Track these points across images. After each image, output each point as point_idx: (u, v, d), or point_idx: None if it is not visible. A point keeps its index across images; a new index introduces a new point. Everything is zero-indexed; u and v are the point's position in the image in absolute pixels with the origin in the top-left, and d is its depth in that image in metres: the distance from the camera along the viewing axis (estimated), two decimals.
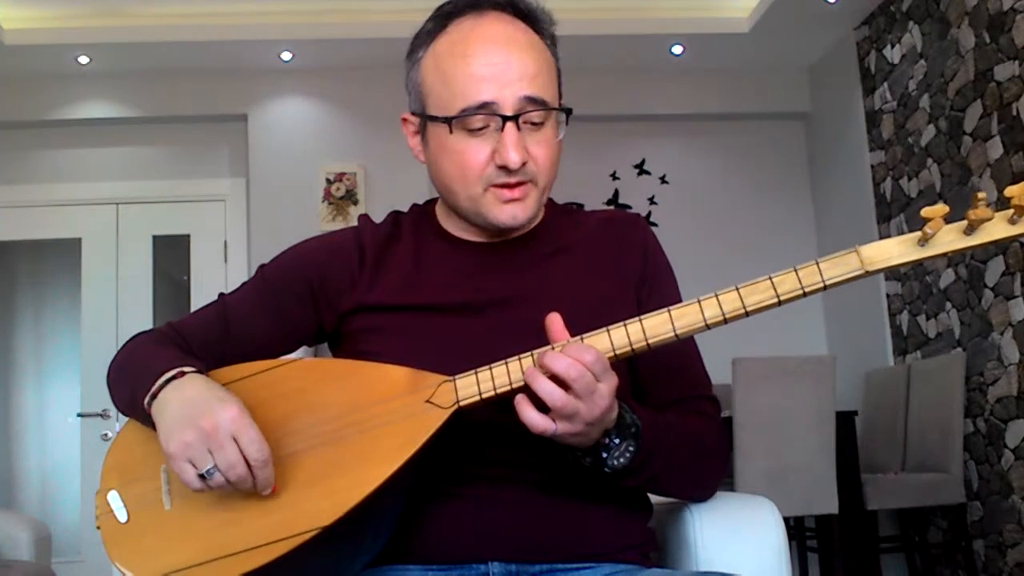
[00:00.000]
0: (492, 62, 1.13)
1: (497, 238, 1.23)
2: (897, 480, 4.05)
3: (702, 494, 1.27)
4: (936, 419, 4.15)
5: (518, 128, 1.13)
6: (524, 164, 1.14)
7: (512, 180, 1.15)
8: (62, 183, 5.32)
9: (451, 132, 1.15)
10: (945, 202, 4.37)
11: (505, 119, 1.13)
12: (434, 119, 1.17)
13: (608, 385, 1.00)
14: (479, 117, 1.13)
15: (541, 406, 1.00)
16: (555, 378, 0.98)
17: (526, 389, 1.02)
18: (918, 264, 4.52)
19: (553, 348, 1.01)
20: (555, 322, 1.02)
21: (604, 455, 1.07)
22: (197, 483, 1.01)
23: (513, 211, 1.17)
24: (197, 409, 1.02)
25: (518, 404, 1.00)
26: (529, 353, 1.03)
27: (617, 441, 1.07)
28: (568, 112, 1.19)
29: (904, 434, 4.40)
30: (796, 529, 4.39)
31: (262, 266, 1.29)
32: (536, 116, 1.15)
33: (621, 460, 1.08)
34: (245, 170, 5.34)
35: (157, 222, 5.35)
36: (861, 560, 3.89)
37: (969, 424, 4.18)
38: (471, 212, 1.19)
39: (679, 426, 1.17)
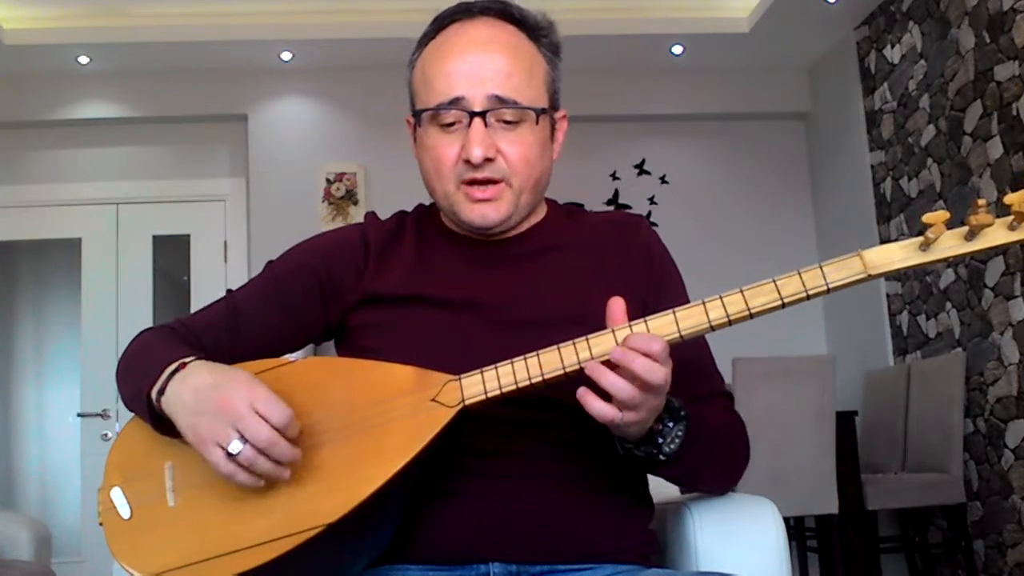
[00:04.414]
0: (467, 61, 1.17)
1: (492, 237, 1.24)
2: (897, 480, 4.05)
3: (730, 484, 1.28)
4: (936, 419, 4.15)
5: (485, 124, 1.16)
6: (491, 161, 1.16)
7: (479, 176, 1.17)
8: (62, 183, 5.31)
9: (420, 125, 1.20)
10: (945, 202, 4.38)
11: (473, 115, 1.15)
12: (415, 115, 1.22)
13: (668, 370, 1.01)
14: (451, 113, 1.17)
15: (599, 394, 1.00)
16: (616, 369, 0.98)
17: (533, 388, 1.02)
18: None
19: (577, 343, 1.01)
20: (617, 305, 1.03)
21: (660, 441, 1.08)
22: (227, 465, 1.00)
23: (483, 211, 1.19)
24: (209, 392, 1.02)
25: (582, 396, 0.99)
26: (535, 353, 1.03)
27: (671, 425, 1.08)
28: (539, 112, 1.19)
29: (904, 434, 4.40)
30: (796, 529, 4.39)
31: (270, 262, 1.31)
32: (509, 115, 1.17)
33: (673, 446, 1.09)
34: (245, 170, 5.34)
35: (157, 222, 5.35)
36: (861, 560, 3.89)
37: (969, 424, 4.18)
38: (448, 210, 1.22)
39: (710, 416, 1.18)
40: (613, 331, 1.02)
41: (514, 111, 1.17)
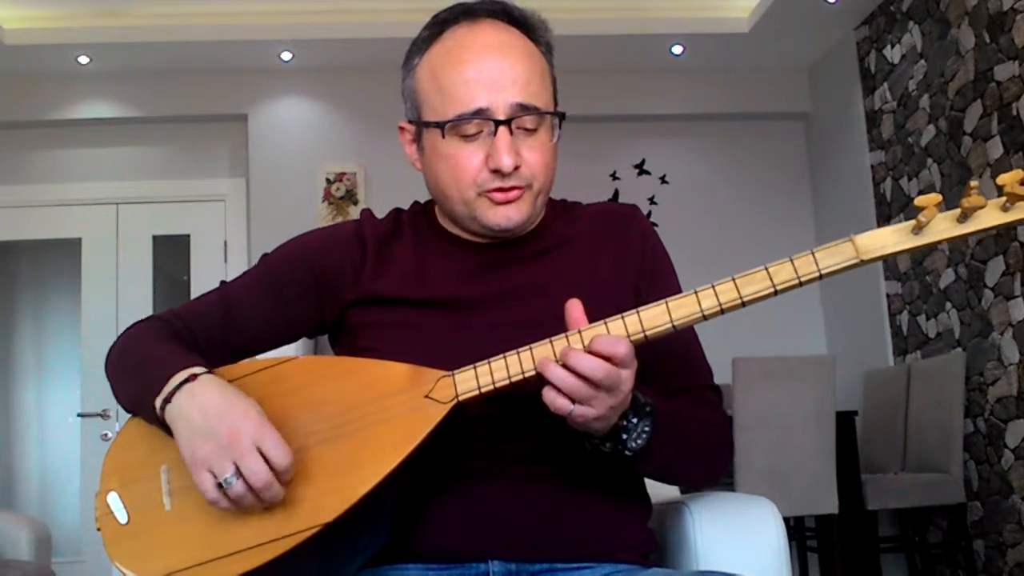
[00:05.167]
0: (486, 68, 1.15)
1: (496, 239, 1.24)
2: (897, 480, 4.05)
3: (710, 480, 1.27)
4: (936, 419, 4.15)
5: (511, 132, 1.15)
6: (517, 168, 1.16)
7: (506, 185, 1.16)
8: (62, 183, 5.32)
9: (444, 137, 1.16)
10: (945, 202, 4.36)
11: (498, 124, 1.14)
12: (428, 125, 1.19)
13: (631, 371, 1.01)
14: (473, 123, 1.15)
15: None
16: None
17: (527, 382, 1.02)
18: (914, 254, 4.53)
19: (570, 336, 1.02)
20: (575, 308, 1.03)
21: (624, 436, 1.08)
22: (214, 492, 1.00)
23: (507, 213, 1.18)
24: (217, 421, 1.02)
25: (543, 391, 1.00)
26: (528, 347, 1.03)
27: (635, 421, 1.08)
28: (561, 117, 1.20)
29: (904, 434, 4.40)
30: (796, 529, 4.39)
31: (265, 255, 1.30)
32: (529, 122, 1.16)
33: (639, 441, 1.08)
34: (245, 170, 5.34)
35: (157, 222, 5.35)
36: (861, 560, 3.89)
37: (969, 424, 4.18)
38: (466, 216, 1.20)
39: (687, 410, 1.18)
40: (605, 323, 1.02)
41: (534, 117, 1.16)
